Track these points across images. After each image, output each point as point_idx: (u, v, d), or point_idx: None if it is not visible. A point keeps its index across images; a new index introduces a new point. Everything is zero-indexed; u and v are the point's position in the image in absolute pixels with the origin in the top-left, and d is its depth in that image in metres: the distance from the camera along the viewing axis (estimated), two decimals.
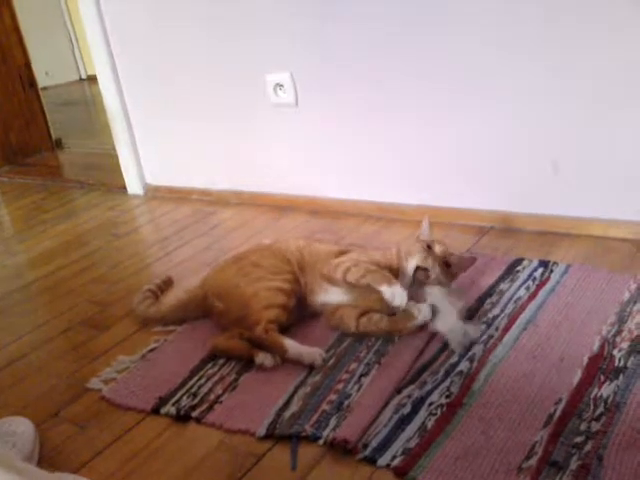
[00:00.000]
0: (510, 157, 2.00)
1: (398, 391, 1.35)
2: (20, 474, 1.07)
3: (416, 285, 1.57)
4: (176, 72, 2.59)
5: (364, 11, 2.05)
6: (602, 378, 1.30)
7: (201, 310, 1.70)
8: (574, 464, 1.10)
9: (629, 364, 1.33)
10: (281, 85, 2.32)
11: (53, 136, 3.97)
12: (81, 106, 5.80)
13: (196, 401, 1.41)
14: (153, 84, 2.68)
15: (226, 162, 2.63)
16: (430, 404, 1.30)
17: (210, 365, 1.53)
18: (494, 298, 1.65)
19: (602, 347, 1.40)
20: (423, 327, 1.53)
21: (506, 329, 1.52)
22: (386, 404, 1.32)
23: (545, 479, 1.09)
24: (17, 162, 3.75)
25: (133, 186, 2.93)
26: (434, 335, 1.52)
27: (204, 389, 1.45)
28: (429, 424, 1.25)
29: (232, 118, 2.52)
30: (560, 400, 1.26)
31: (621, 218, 1.89)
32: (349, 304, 1.59)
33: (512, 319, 1.55)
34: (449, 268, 1.59)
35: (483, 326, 1.50)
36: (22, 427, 1.33)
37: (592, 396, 1.26)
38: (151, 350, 1.63)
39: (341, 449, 1.21)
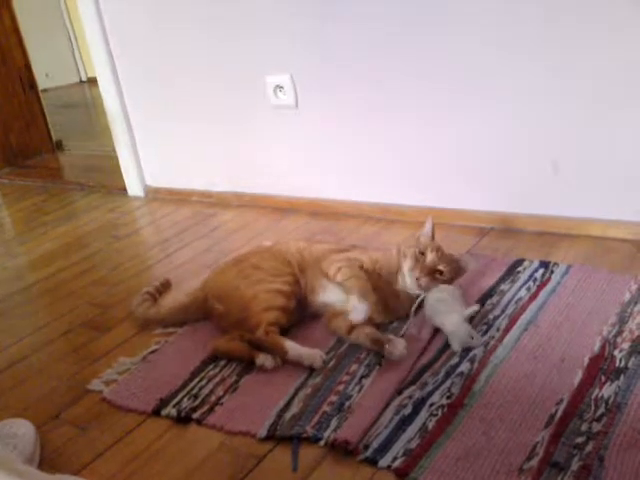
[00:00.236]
0: (510, 158, 2.00)
1: (399, 392, 1.35)
2: (21, 476, 1.07)
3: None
4: (176, 74, 2.59)
5: (364, 12, 2.05)
6: (603, 379, 1.30)
7: (202, 312, 1.70)
8: (575, 465, 1.10)
9: (630, 364, 1.33)
10: (281, 87, 2.32)
11: (53, 138, 3.97)
12: (81, 108, 5.81)
13: (197, 403, 1.41)
14: (153, 86, 2.68)
15: (226, 164, 2.63)
16: (431, 405, 1.30)
17: (211, 367, 1.53)
18: (495, 299, 1.65)
19: (603, 348, 1.40)
20: (422, 329, 1.54)
21: (507, 330, 1.51)
22: (387, 405, 1.32)
23: None
24: (17, 164, 3.75)
25: (133, 188, 2.93)
26: (434, 336, 1.52)
27: (205, 391, 1.45)
28: (430, 425, 1.25)
29: (232, 120, 2.52)
30: (561, 401, 1.26)
31: (621, 218, 1.89)
32: (344, 309, 1.58)
33: (513, 320, 1.55)
34: (442, 275, 1.58)
35: (486, 336, 1.50)
36: (23, 429, 1.33)
37: (593, 397, 1.26)
38: (152, 352, 1.63)
39: (342, 450, 1.21)
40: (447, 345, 1.48)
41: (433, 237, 1.66)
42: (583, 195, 1.93)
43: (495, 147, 2.01)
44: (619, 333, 1.44)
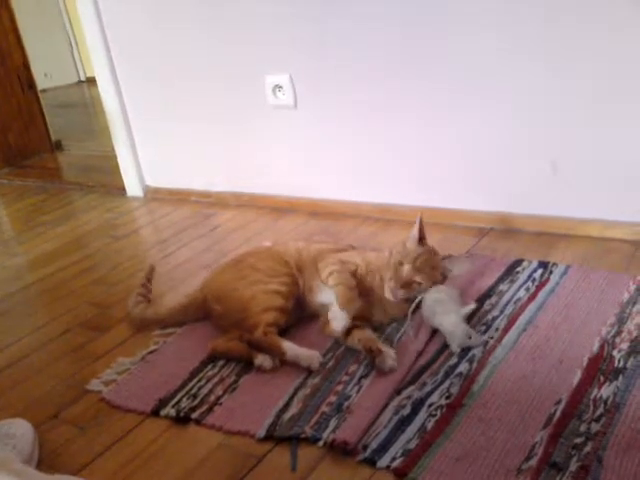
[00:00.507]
0: (510, 158, 2.00)
1: (398, 392, 1.35)
2: (19, 476, 1.07)
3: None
4: (175, 74, 2.59)
5: (363, 12, 2.05)
6: (602, 379, 1.30)
7: (201, 313, 1.71)
8: (574, 465, 1.10)
9: (629, 365, 1.33)
10: (280, 87, 2.32)
11: (52, 138, 3.97)
12: (80, 108, 5.80)
13: (196, 403, 1.41)
14: (152, 86, 2.68)
15: (225, 164, 2.63)
16: (430, 405, 1.30)
17: (210, 367, 1.53)
18: (494, 299, 1.65)
19: (602, 348, 1.40)
20: (420, 329, 1.54)
21: (506, 330, 1.52)
22: (386, 405, 1.32)
23: None
24: (16, 164, 3.74)
25: (132, 188, 2.93)
26: (433, 336, 1.52)
27: (204, 391, 1.45)
28: (429, 425, 1.25)
29: (231, 120, 2.52)
30: (560, 401, 1.26)
31: (620, 219, 1.89)
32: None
33: (512, 320, 1.55)
34: (420, 285, 1.56)
35: (485, 336, 1.50)
36: (21, 429, 1.33)
37: (592, 397, 1.26)
38: (151, 352, 1.63)
39: (341, 450, 1.21)
40: (446, 345, 1.48)
41: (422, 238, 1.61)
42: (582, 195, 1.93)
43: (495, 147, 2.02)
44: (618, 333, 1.44)
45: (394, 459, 1.18)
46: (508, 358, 1.42)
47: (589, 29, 1.76)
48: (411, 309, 1.55)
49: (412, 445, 1.20)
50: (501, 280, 1.74)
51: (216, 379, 1.48)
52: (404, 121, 2.14)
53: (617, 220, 1.89)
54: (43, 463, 1.31)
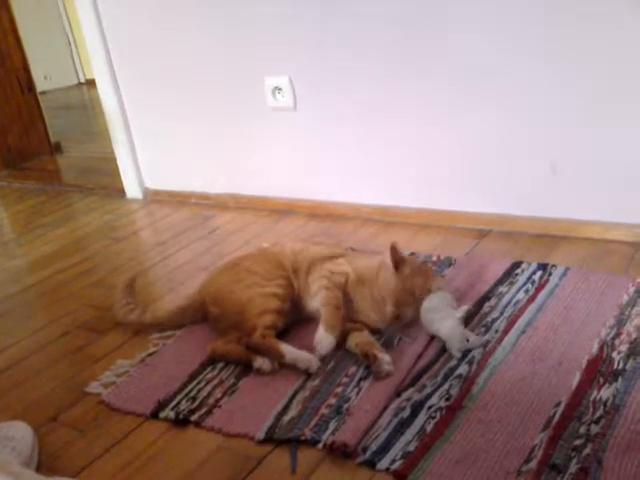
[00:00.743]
0: (509, 159, 2.01)
1: (397, 394, 1.35)
2: (18, 479, 1.07)
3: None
4: (175, 76, 2.59)
5: (363, 12, 2.05)
6: (601, 381, 1.30)
7: (199, 315, 1.71)
8: (573, 467, 1.10)
9: (628, 366, 1.33)
10: (280, 89, 2.33)
11: (52, 140, 3.97)
12: (80, 110, 5.80)
13: (195, 405, 1.41)
14: (152, 88, 2.68)
15: (225, 166, 2.63)
16: (429, 407, 1.30)
17: (209, 369, 1.53)
18: (493, 301, 1.65)
19: (601, 350, 1.40)
20: (419, 332, 1.54)
21: (505, 332, 1.52)
22: (385, 408, 1.32)
23: None
24: (16, 166, 3.75)
25: (132, 190, 2.93)
26: (433, 339, 1.52)
27: (203, 393, 1.45)
28: (428, 427, 1.25)
29: (231, 122, 2.52)
30: (559, 403, 1.26)
31: (619, 221, 1.89)
32: None
33: (511, 322, 1.55)
34: (408, 311, 1.54)
35: (485, 337, 1.50)
36: (21, 432, 1.33)
37: (591, 399, 1.26)
38: (150, 354, 1.63)
39: (340, 453, 1.21)
40: (445, 347, 1.48)
41: (397, 266, 1.54)
42: (582, 197, 1.93)
43: (494, 148, 2.02)
44: (617, 335, 1.44)
45: (394, 461, 1.18)
46: (508, 360, 1.42)
47: (589, 29, 1.76)
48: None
49: (412, 447, 1.20)
50: (500, 282, 1.74)
51: (215, 381, 1.48)
52: (404, 121, 2.14)
53: (617, 222, 1.89)
54: (42, 465, 1.31)
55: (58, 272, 2.23)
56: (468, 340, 1.45)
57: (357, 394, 1.37)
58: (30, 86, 3.84)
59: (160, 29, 2.54)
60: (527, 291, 1.68)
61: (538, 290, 1.68)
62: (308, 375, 1.45)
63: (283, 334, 1.58)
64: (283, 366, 1.48)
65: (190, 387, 1.47)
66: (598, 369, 1.34)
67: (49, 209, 2.96)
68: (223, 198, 2.67)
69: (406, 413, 1.29)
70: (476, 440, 1.20)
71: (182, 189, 2.79)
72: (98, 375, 1.57)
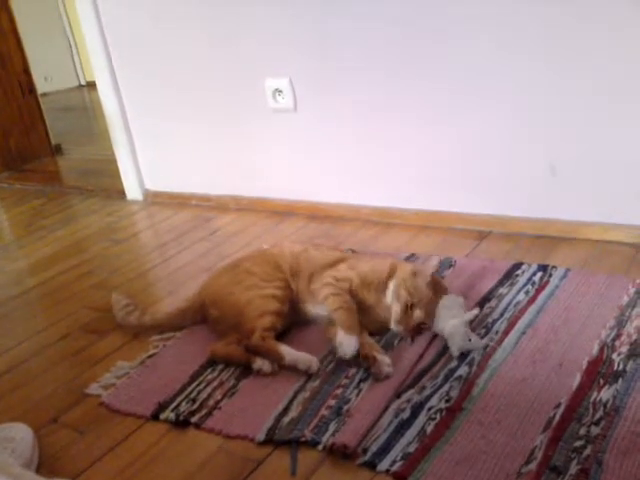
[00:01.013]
0: (509, 160, 2.01)
1: (397, 396, 1.35)
2: None
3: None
4: (175, 78, 2.59)
5: (363, 12, 2.05)
6: (601, 382, 1.30)
7: (199, 317, 1.71)
8: (574, 468, 1.10)
9: (628, 368, 1.33)
10: (280, 90, 2.33)
11: (52, 142, 3.97)
12: (80, 112, 5.80)
13: (195, 407, 1.41)
14: (152, 90, 2.68)
15: (225, 167, 2.63)
16: (429, 409, 1.30)
17: (209, 371, 1.53)
18: (493, 302, 1.65)
19: (601, 351, 1.40)
20: (421, 328, 1.54)
21: (505, 333, 1.52)
22: (385, 409, 1.32)
23: None
24: (16, 168, 3.75)
25: (132, 192, 2.93)
26: (433, 340, 1.52)
27: (203, 394, 1.45)
28: (428, 429, 1.25)
29: (231, 124, 2.53)
30: (559, 404, 1.26)
31: (620, 221, 1.89)
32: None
33: (511, 323, 1.55)
34: (425, 325, 1.54)
35: (485, 339, 1.50)
36: (21, 433, 1.33)
37: (591, 400, 1.26)
38: (150, 356, 1.63)
39: (340, 454, 1.21)
40: (446, 349, 1.48)
41: (434, 283, 1.55)
42: (582, 198, 1.93)
43: (494, 149, 2.02)
44: (617, 336, 1.44)
45: (394, 463, 1.18)
46: (508, 361, 1.42)
47: (589, 29, 1.76)
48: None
49: (412, 449, 1.20)
50: (501, 283, 1.74)
51: (215, 383, 1.48)
52: (404, 122, 2.14)
53: (617, 223, 1.89)
54: (42, 467, 1.31)
55: (58, 274, 2.24)
56: (470, 340, 1.45)
57: (357, 395, 1.37)
58: (31, 88, 3.84)
59: (160, 30, 2.54)
60: (527, 292, 1.68)
61: (538, 291, 1.68)
62: (308, 376, 1.45)
63: (282, 336, 1.58)
64: (283, 368, 1.48)
65: (190, 389, 1.47)
66: (598, 370, 1.34)
67: (50, 211, 2.96)
68: (223, 200, 2.67)
69: (406, 414, 1.29)
70: (476, 441, 1.20)
71: (182, 191, 2.79)
72: (98, 377, 1.57)
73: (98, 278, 2.17)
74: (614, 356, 1.37)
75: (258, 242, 2.22)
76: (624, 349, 1.39)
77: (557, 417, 1.22)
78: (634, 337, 1.43)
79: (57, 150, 3.98)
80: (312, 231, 2.30)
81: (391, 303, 1.55)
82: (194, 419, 1.37)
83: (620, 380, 1.30)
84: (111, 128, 2.85)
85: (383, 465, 1.17)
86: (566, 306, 1.59)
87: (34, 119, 3.87)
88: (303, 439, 1.26)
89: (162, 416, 1.39)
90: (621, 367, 1.34)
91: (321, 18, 2.15)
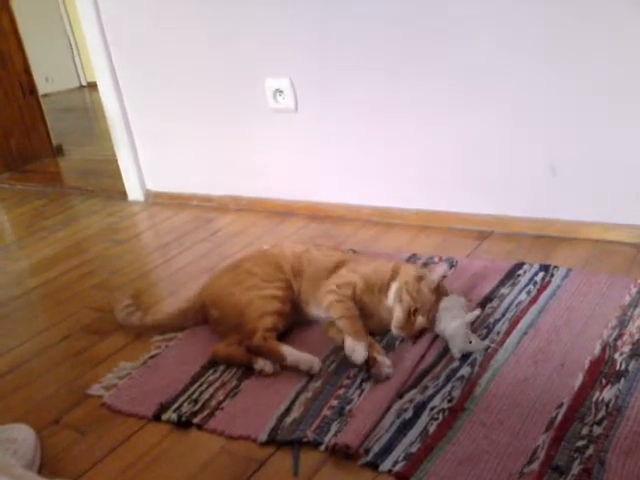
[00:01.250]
0: (510, 160, 2.01)
1: (400, 396, 1.35)
2: None
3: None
4: (176, 78, 2.59)
5: (363, 12, 2.05)
6: (603, 382, 1.30)
7: (200, 317, 1.71)
8: (576, 468, 1.10)
9: (630, 367, 1.33)
10: (281, 91, 2.33)
11: (53, 142, 3.97)
12: (81, 112, 5.80)
13: (197, 407, 1.41)
14: (153, 90, 2.68)
15: (226, 168, 2.63)
16: (432, 409, 1.30)
17: (211, 371, 1.53)
18: (495, 302, 1.65)
19: (603, 351, 1.40)
20: (422, 332, 1.54)
21: (507, 333, 1.51)
22: (388, 409, 1.32)
23: None
24: (17, 169, 3.75)
25: (133, 192, 2.93)
26: (434, 340, 1.52)
27: (205, 395, 1.45)
28: (431, 429, 1.25)
29: (232, 124, 2.53)
30: (562, 404, 1.26)
31: (621, 221, 1.89)
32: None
33: (513, 323, 1.55)
34: (425, 331, 1.54)
35: (487, 339, 1.49)
36: (23, 434, 1.33)
37: (594, 400, 1.26)
38: (152, 356, 1.62)
39: (343, 454, 1.21)
40: (447, 349, 1.48)
41: (437, 288, 1.56)
42: (583, 198, 1.93)
43: (495, 149, 2.02)
44: (619, 336, 1.44)
45: (396, 463, 1.18)
46: (510, 361, 1.42)
47: (589, 29, 1.76)
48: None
49: (414, 449, 1.20)
50: (502, 283, 1.74)
51: (217, 384, 1.48)
52: (404, 122, 2.14)
53: (618, 222, 1.89)
54: (44, 468, 1.31)
55: (60, 275, 2.24)
56: (471, 342, 1.45)
57: (359, 396, 1.37)
58: (32, 89, 3.84)
59: (161, 30, 2.54)
60: (529, 292, 1.68)
61: (540, 291, 1.68)
62: (310, 377, 1.45)
63: (284, 336, 1.58)
64: (284, 368, 1.48)
65: (192, 389, 1.47)
66: (600, 370, 1.34)
67: (51, 212, 2.96)
68: (224, 200, 2.67)
69: (408, 415, 1.29)
70: (478, 442, 1.20)
71: (183, 191, 2.79)
72: (100, 377, 1.57)
73: (99, 279, 2.17)
74: (616, 356, 1.37)
75: (259, 242, 2.22)
76: (626, 349, 1.39)
77: (559, 417, 1.22)
78: (636, 337, 1.43)
79: (58, 151, 3.98)
80: (312, 231, 2.30)
81: (393, 305, 1.55)
82: (196, 420, 1.37)
83: (622, 380, 1.30)
84: (112, 128, 2.85)
85: (385, 465, 1.17)
86: (568, 306, 1.59)
87: (35, 120, 3.87)
88: (305, 439, 1.26)
89: (164, 417, 1.39)
90: (623, 367, 1.34)
91: (321, 18, 2.15)
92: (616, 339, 1.43)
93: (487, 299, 1.67)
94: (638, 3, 1.68)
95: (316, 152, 2.37)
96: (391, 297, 1.56)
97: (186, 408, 1.41)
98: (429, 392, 1.35)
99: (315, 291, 1.63)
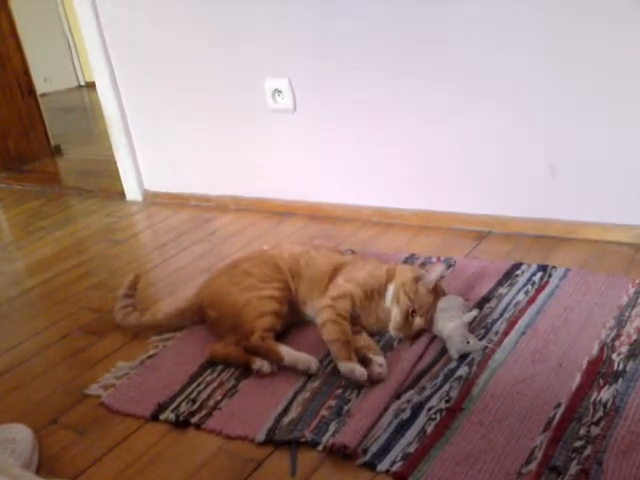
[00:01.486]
0: (509, 161, 2.01)
1: (397, 396, 1.35)
2: None
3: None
4: (174, 78, 2.59)
5: (363, 12, 2.05)
6: (601, 382, 1.30)
7: (197, 318, 1.71)
8: (574, 468, 1.10)
9: (628, 368, 1.33)
10: (279, 91, 2.33)
11: (52, 142, 3.96)
12: (80, 112, 5.80)
13: (195, 407, 1.41)
14: (152, 90, 2.68)
15: (225, 168, 2.63)
16: (429, 409, 1.30)
17: (209, 371, 1.53)
18: (493, 303, 1.65)
19: (601, 351, 1.40)
20: (420, 332, 1.54)
21: (505, 333, 1.51)
22: (385, 409, 1.31)
23: None
24: (16, 169, 3.74)
25: (132, 192, 2.93)
26: (432, 340, 1.52)
27: (203, 395, 1.45)
28: (429, 429, 1.25)
29: (231, 124, 2.53)
30: (559, 404, 1.26)
31: (619, 222, 1.89)
32: None
33: (511, 323, 1.55)
34: (423, 332, 1.54)
35: (485, 340, 1.49)
36: (21, 434, 1.33)
37: (591, 400, 1.26)
38: (150, 356, 1.62)
39: (340, 455, 1.21)
40: (445, 349, 1.48)
41: (435, 289, 1.56)
42: (581, 198, 1.93)
43: (494, 149, 2.02)
44: (617, 336, 1.44)
45: (394, 463, 1.17)
46: (508, 361, 1.42)
47: (589, 29, 1.76)
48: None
49: (412, 449, 1.20)
50: (500, 283, 1.74)
51: (215, 383, 1.48)
52: (404, 122, 2.14)
53: (616, 223, 1.89)
54: (42, 468, 1.31)
55: (58, 275, 2.23)
56: (468, 342, 1.45)
57: (357, 396, 1.37)
58: (30, 89, 3.83)
59: (159, 30, 2.54)
60: (527, 292, 1.68)
61: (538, 291, 1.68)
62: (308, 377, 1.45)
63: (282, 336, 1.58)
64: (282, 368, 1.48)
65: (190, 389, 1.47)
66: (598, 370, 1.34)
67: (49, 212, 2.96)
68: (223, 200, 2.67)
69: (406, 415, 1.29)
70: (476, 442, 1.20)
71: (182, 191, 2.79)
72: (98, 377, 1.57)
73: (97, 279, 2.16)
74: (614, 356, 1.37)
75: (258, 242, 2.22)
76: (624, 349, 1.39)
77: (557, 417, 1.22)
78: (634, 337, 1.43)
79: (56, 151, 3.97)
80: (312, 231, 2.30)
81: (390, 306, 1.55)
82: (194, 420, 1.37)
83: (620, 380, 1.30)
84: (110, 129, 2.85)
85: (383, 465, 1.17)
86: (566, 306, 1.59)
87: (33, 120, 3.86)
88: (303, 439, 1.26)
89: (162, 417, 1.39)
90: (621, 367, 1.34)
91: (321, 18, 2.15)
92: (614, 339, 1.43)
93: (485, 299, 1.67)
94: (638, 3, 1.68)
95: (315, 152, 2.37)
96: (389, 299, 1.56)
97: (184, 408, 1.41)
98: (427, 392, 1.35)
99: (312, 293, 1.63)
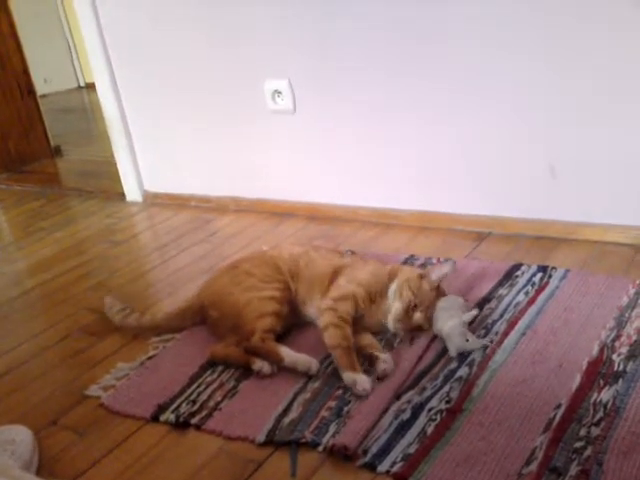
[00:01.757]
0: (508, 161, 2.01)
1: (397, 397, 1.35)
2: None
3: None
4: (174, 79, 2.59)
5: (363, 12, 2.05)
6: (601, 383, 1.30)
7: (198, 318, 1.71)
8: (574, 469, 1.10)
9: (628, 368, 1.33)
10: (279, 92, 2.33)
11: (52, 143, 3.96)
12: (80, 113, 5.80)
13: (195, 408, 1.41)
14: (151, 91, 2.68)
15: (225, 169, 2.63)
16: (430, 410, 1.30)
17: (209, 372, 1.53)
18: (493, 303, 1.65)
19: (601, 352, 1.40)
20: (418, 329, 1.54)
21: (505, 334, 1.51)
22: (386, 410, 1.31)
23: None
24: (15, 170, 3.74)
25: (132, 193, 2.93)
26: (432, 341, 1.52)
27: (203, 396, 1.44)
28: (429, 430, 1.25)
29: (231, 125, 2.53)
30: (560, 405, 1.26)
31: (619, 222, 1.89)
32: None
33: (511, 324, 1.55)
34: (421, 329, 1.55)
35: (485, 340, 1.49)
36: (21, 435, 1.32)
37: (592, 401, 1.25)
38: (150, 357, 1.62)
39: (341, 455, 1.21)
40: (445, 350, 1.48)
41: (437, 287, 1.58)
42: (581, 199, 1.93)
43: (494, 150, 2.02)
44: (617, 337, 1.44)
45: (394, 464, 1.17)
46: (508, 362, 1.42)
47: (589, 29, 1.76)
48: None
49: (412, 450, 1.20)
50: (500, 284, 1.74)
51: (215, 384, 1.48)
52: (404, 122, 2.14)
53: (616, 224, 1.89)
54: (42, 469, 1.31)
55: (58, 276, 2.23)
56: (467, 340, 1.45)
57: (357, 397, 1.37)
58: (30, 89, 3.83)
59: (159, 31, 2.54)
60: (527, 293, 1.68)
61: (538, 292, 1.67)
62: (308, 378, 1.45)
63: (282, 337, 1.58)
64: (282, 369, 1.48)
65: (190, 390, 1.47)
66: (598, 371, 1.34)
67: (49, 212, 2.96)
68: (223, 201, 2.67)
69: (406, 415, 1.29)
70: (476, 443, 1.20)
71: (182, 192, 2.79)
72: (98, 378, 1.57)
73: (97, 280, 2.16)
74: (614, 357, 1.37)
75: (258, 243, 2.22)
76: (624, 350, 1.39)
77: (557, 418, 1.22)
78: (634, 338, 1.42)
79: (56, 151, 3.97)
80: (311, 232, 2.30)
81: (392, 302, 1.55)
82: (194, 420, 1.37)
83: (620, 381, 1.30)
84: (110, 129, 2.85)
85: (383, 466, 1.17)
86: (566, 307, 1.59)
87: (33, 121, 3.86)
88: (303, 440, 1.26)
89: (162, 417, 1.39)
90: (621, 368, 1.34)
91: (321, 18, 2.15)
92: (614, 340, 1.43)
93: (485, 300, 1.67)
94: (638, 3, 1.68)
95: (315, 153, 2.37)
96: (390, 296, 1.57)
97: (184, 409, 1.41)
98: (427, 393, 1.35)
99: (312, 294, 1.63)
